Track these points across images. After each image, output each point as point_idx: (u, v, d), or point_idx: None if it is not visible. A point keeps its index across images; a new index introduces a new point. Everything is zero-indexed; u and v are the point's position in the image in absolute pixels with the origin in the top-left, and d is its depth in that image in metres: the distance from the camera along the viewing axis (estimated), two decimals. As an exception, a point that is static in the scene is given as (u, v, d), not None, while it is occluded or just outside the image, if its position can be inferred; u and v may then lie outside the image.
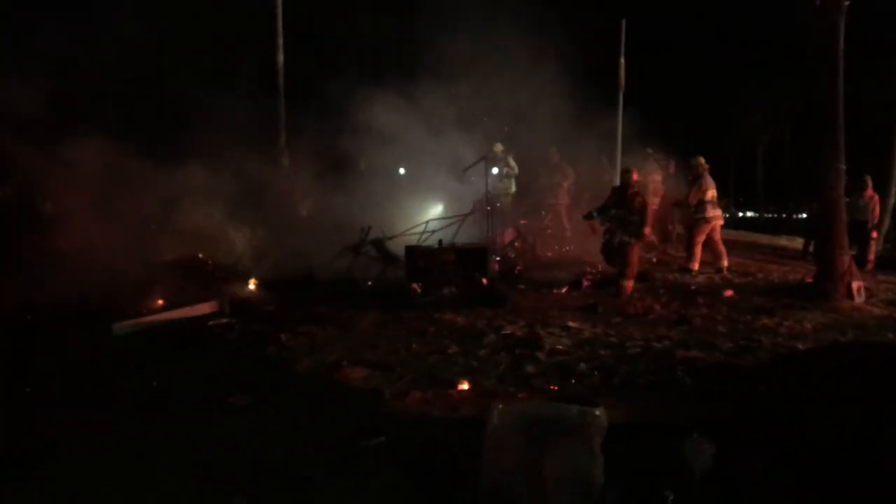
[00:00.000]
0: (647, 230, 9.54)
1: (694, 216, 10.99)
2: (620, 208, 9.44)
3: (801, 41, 9.42)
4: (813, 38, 8.91)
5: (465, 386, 5.32)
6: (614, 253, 9.44)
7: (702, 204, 10.85)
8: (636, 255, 9.44)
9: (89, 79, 8.96)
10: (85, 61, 8.86)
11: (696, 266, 10.87)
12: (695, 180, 10.99)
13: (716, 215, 10.92)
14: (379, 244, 10.99)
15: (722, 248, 11.09)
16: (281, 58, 16.91)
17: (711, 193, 10.89)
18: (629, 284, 9.27)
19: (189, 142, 10.29)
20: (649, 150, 14.65)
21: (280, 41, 16.79)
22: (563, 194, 14.70)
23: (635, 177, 9.73)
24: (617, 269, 9.42)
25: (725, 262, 10.99)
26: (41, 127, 8.46)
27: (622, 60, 14.10)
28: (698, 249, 10.97)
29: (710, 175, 11.01)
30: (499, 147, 14.50)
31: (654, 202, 13.11)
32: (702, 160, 11.07)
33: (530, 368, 5.79)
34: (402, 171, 14.88)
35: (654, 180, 14.23)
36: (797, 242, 16.24)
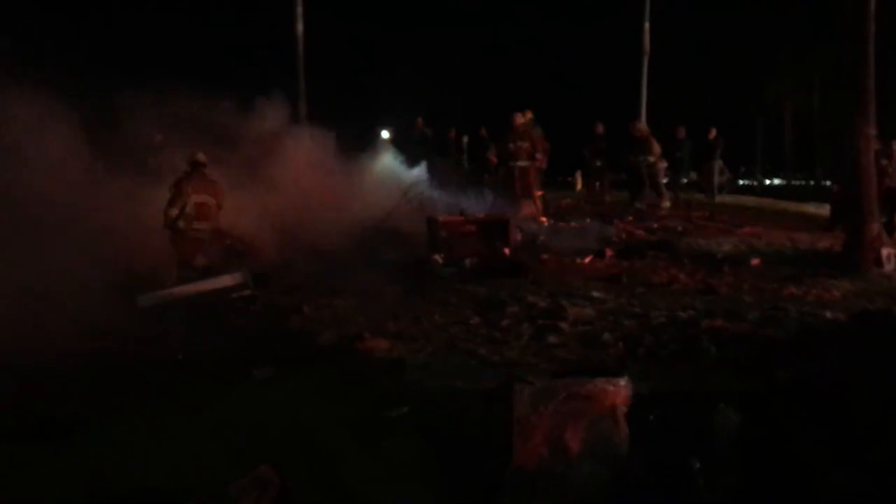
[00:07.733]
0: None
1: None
2: None
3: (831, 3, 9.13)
4: None
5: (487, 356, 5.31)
6: None
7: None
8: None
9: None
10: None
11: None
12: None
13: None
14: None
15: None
16: (300, 27, 16.78)
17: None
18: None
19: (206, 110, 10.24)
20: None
21: (300, 10, 16.63)
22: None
23: None
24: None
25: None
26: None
27: (647, 25, 13.79)
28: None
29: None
30: (526, 116, 14.16)
31: None
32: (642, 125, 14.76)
33: (553, 339, 5.74)
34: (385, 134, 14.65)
35: None
36: (825, 210, 15.96)
